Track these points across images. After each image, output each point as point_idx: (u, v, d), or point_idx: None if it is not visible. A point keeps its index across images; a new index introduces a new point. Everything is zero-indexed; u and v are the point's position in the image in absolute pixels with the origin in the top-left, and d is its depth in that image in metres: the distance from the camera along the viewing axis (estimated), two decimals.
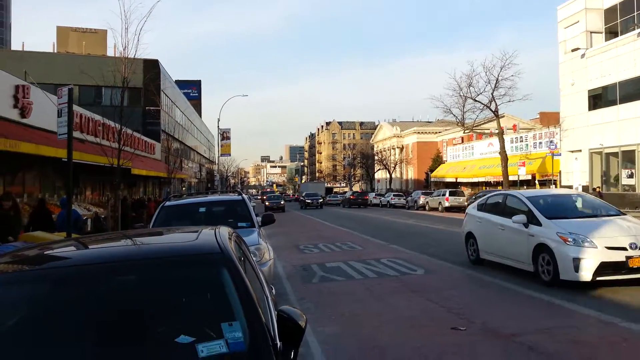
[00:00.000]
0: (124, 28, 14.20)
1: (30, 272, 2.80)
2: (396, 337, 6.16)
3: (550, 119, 47.59)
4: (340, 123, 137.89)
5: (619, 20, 31.24)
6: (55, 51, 43.28)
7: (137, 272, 2.73)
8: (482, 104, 33.84)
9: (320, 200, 51.46)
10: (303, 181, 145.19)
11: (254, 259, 5.48)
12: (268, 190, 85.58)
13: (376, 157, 79.91)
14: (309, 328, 6.50)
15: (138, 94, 33.60)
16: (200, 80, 77.81)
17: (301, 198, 53.98)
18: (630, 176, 28.94)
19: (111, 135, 18.65)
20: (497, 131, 34.35)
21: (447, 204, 37.22)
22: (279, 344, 2.38)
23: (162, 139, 37.17)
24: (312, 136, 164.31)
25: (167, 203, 8.58)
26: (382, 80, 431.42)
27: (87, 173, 21.81)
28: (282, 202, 48.30)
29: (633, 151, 28.69)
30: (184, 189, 46.36)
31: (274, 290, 4.40)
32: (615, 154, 30.42)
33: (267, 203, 47.27)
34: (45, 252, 3.09)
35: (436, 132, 68.08)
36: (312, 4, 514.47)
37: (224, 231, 3.27)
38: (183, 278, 2.69)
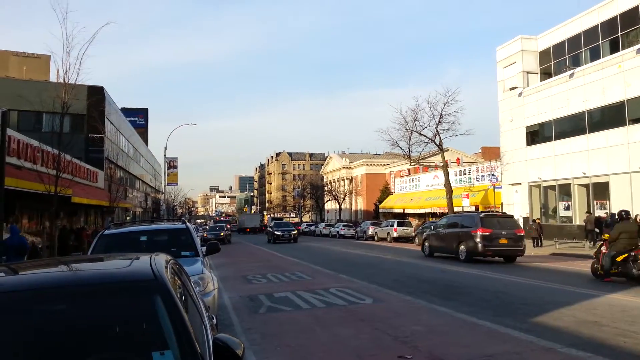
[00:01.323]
0: (66, 52, 13.83)
1: None
2: None
3: (491, 153, 49.53)
4: (290, 154, 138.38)
5: (552, 62, 33.26)
6: None
7: (65, 299, 2.57)
8: (427, 137, 34.90)
9: (294, 233, 40.02)
10: (252, 212, 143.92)
11: (197, 288, 5.28)
12: (219, 219, 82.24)
13: (326, 188, 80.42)
14: (254, 359, 6.34)
15: (81, 120, 32.58)
16: (147, 109, 76.14)
17: (269, 229, 42.55)
18: (567, 208, 30.34)
19: (50, 162, 17.91)
20: (442, 164, 35.39)
21: (395, 234, 37.70)
22: None
23: (106, 167, 35.98)
24: (262, 166, 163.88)
25: (106, 231, 8.22)
26: (332, 112, 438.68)
27: (24, 200, 20.72)
28: (222, 234, 42.95)
29: (569, 184, 30.18)
30: (128, 218, 44.85)
31: (214, 320, 4.23)
32: (552, 187, 31.88)
33: (204, 235, 41.57)
34: None
35: (384, 164, 69.42)
36: (263, 36, 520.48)
37: (161, 258, 3.15)
38: (114, 305, 2.56)
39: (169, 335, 2.29)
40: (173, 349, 2.23)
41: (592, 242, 23.91)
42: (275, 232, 39.45)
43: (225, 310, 9.93)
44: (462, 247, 19.72)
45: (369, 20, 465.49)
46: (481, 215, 20.36)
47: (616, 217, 23.67)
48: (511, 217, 22.18)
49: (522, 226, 23.71)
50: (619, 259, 12.74)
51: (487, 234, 18.88)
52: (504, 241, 18.99)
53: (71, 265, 3.32)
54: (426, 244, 22.75)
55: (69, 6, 22.15)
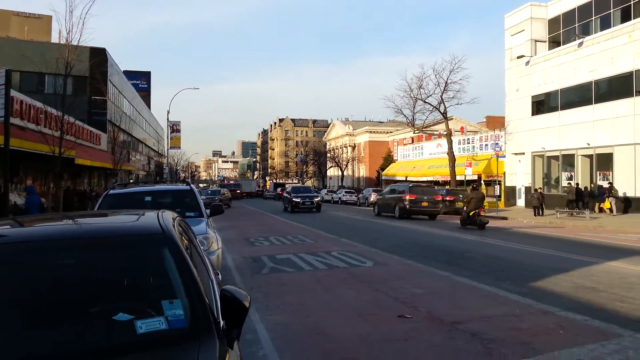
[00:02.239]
0: (69, 11, 13.65)
1: None
2: (343, 325, 6.19)
3: (496, 122, 49.23)
4: (293, 120, 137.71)
5: (561, 31, 32.67)
6: None
7: (75, 250, 2.62)
8: (432, 105, 34.68)
9: (317, 200, 32.78)
10: (255, 177, 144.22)
11: (201, 247, 5.37)
12: (227, 183, 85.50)
13: (328, 155, 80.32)
14: (257, 316, 6.51)
15: (84, 82, 32.36)
16: (149, 72, 75.48)
17: (285, 196, 35.18)
18: (570, 179, 30.33)
19: (54, 123, 17.90)
20: (445, 132, 35.24)
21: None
22: (221, 322, 2.34)
23: (109, 129, 35.92)
24: (264, 132, 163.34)
25: (111, 191, 8.29)
26: (337, 79, 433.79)
27: (28, 161, 20.82)
28: (216, 198, 38.61)
29: (573, 155, 30.08)
30: (131, 181, 45.07)
31: (220, 277, 4.31)
32: (556, 157, 31.79)
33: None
34: None
35: (387, 132, 69.12)
36: (266, 4, 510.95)
37: (168, 214, 3.21)
38: (123, 257, 2.61)
39: (177, 286, 2.35)
40: (182, 298, 2.28)
41: (575, 210, 25.68)
42: (294, 199, 32.17)
43: (229, 271, 10.08)
44: (396, 207, 26.31)
45: None
46: (410, 185, 27.34)
47: (603, 188, 25.29)
48: (431, 186, 30.34)
49: (443, 194, 29.10)
50: (471, 214, 20.08)
51: (413, 198, 25.69)
52: (425, 204, 25.83)
53: (79, 219, 3.37)
54: (375, 206, 30.10)
55: None
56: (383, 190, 32.74)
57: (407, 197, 25.49)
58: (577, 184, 28.66)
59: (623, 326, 5.94)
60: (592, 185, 28.15)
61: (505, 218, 26.23)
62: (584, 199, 27.02)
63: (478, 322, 6.13)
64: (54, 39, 34.73)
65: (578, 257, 11.82)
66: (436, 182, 45.62)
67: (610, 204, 25.78)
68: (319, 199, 33.49)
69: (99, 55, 31.62)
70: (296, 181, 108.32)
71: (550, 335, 5.64)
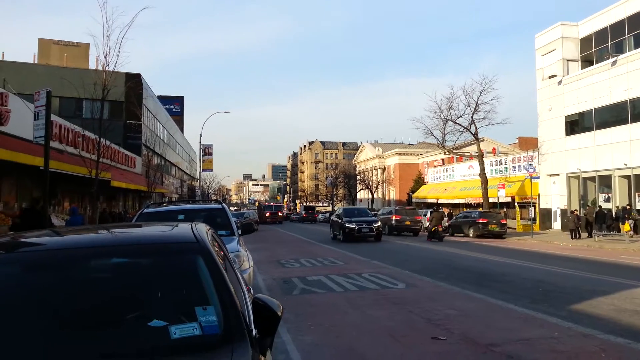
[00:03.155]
0: (106, 35, 14.14)
1: (2, 255, 2.71)
2: (376, 346, 6.08)
3: (528, 143, 48.40)
4: (322, 143, 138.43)
5: (594, 50, 32.14)
6: (36, 62, 42.84)
7: (110, 258, 2.68)
8: (462, 126, 34.37)
9: (376, 226, 25.56)
10: (285, 200, 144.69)
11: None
12: (269, 204, 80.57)
13: (358, 177, 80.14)
14: (288, 336, 6.47)
15: (119, 107, 33.33)
16: (183, 97, 77.40)
17: (334, 220, 28.11)
18: (607, 200, 29.43)
19: (91, 146, 18.44)
20: (477, 154, 34.81)
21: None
22: (254, 330, 2.34)
23: (143, 153, 36.79)
24: (294, 155, 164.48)
25: (146, 210, 8.44)
26: (365, 101, 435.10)
27: (66, 183, 21.44)
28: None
29: (609, 176, 29.25)
30: (164, 204, 45.77)
31: (252, 291, 4.31)
32: (592, 179, 30.97)
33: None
34: (18, 239, 3.01)
35: (417, 154, 68.68)
36: (299, 26, 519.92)
37: (201, 226, 3.26)
38: (158, 265, 2.66)
39: (211, 293, 2.37)
40: (215, 305, 2.30)
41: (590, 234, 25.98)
42: (347, 225, 24.91)
43: (260, 291, 10.05)
44: (386, 225, 30.64)
45: (406, 11, 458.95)
46: (396, 208, 33.17)
47: (626, 209, 24.77)
48: (414, 209, 34.82)
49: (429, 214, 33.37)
50: (433, 229, 26.01)
51: (398, 218, 31.23)
52: (408, 222, 31.20)
53: (115, 230, 3.44)
54: None
55: None
56: (379, 212, 36.72)
57: (393, 217, 31.49)
58: (600, 206, 28.32)
59: None
60: (617, 207, 27.45)
61: (535, 239, 25.55)
62: (606, 221, 26.39)
63: (515, 344, 5.94)
64: (91, 65, 35.96)
65: (618, 279, 11.40)
66: (468, 205, 44.98)
67: (630, 226, 25.14)
68: (379, 224, 25.97)
69: (134, 80, 32.56)
70: (326, 204, 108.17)
71: (590, 359, 5.41)
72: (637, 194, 27.42)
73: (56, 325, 2.29)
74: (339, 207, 35.65)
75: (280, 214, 64.47)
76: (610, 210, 27.53)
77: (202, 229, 3.09)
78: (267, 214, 62.82)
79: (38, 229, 9.66)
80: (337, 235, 26.58)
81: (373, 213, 33.17)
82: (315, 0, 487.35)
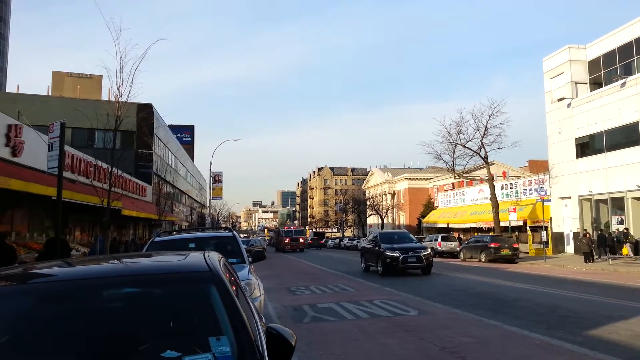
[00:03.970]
0: (119, 68, 14.41)
1: (14, 286, 2.73)
2: None
3: (539, 166, 48.23)
4: (332, 169, 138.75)
5: (602, 72, 32.20)
6: (50, 95, 43.71)
7: (124, 287, 2.69)
8: (472, 150, 34.37)
9: (425, 255, 20.29)
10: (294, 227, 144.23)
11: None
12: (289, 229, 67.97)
13: (368, 203, 80.00)
14: None
15: (131, 137, 33.78)
16: (193, 125, 78.33)
17: (367, 247, 23.22)
18: (621, 222, 29.07)
19: (102, 176, 18.64)
20: (487, 177, 34.71)
21: (439, 249, 37.06)
22: None
23: (154, 181, 37.11)
24: (304, 181, 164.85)
25: (157, 239, 8.48)
26: (375, 127, 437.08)
27: (77, 213, 21.64)
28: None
29: (622, 198, 28.96)
30: (173, 230, 45.94)
31: (263, 320, 4.29)
32: (604, 201, 30.66)
33: None
34: (29, 270, 3.04)
35: (427, 179, 68.58)
36: (304, 54, 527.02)
37: (214, 254, 3.27)
38: (171, 295, 2.66)
39: (224, 323, 2.37)
40: (228, 335, 2.29)
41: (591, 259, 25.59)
42: (388, 254, 19.97)
43: (270, 319, 9.98)
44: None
45: (413, 37, 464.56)
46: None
47: (625, 232, 24.70)
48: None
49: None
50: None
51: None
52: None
53: (127, 260, 3.46)
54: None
55: (122, 24, 23.05)
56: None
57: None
58: (601, 230, 28.43)
59: None
60: (616, 231, 27.75)
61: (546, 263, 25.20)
62: (607, 244, 26.48)
63: None
64: (104, 96, 36.67)
65: (635, 304, 11.19)
66: (479, 229, 44.63)
67: (629, 249, 25.48)
68: (428, 252, 20.60)
69: (145, 110, 33.06)
70: (336, 230, 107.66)
71: None
72: None
73: (69, 357, 2.29)
74: (373, 231, 27.09)
75: (301, 240, 56.66)
76: (610, 234, 27.59)
77: (215, 258, 3.10)
78: (286, 240, 55.42)
79: (62, 258, 9.78)
80: (373, 266, 21.67)
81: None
82: (322, 29, 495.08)
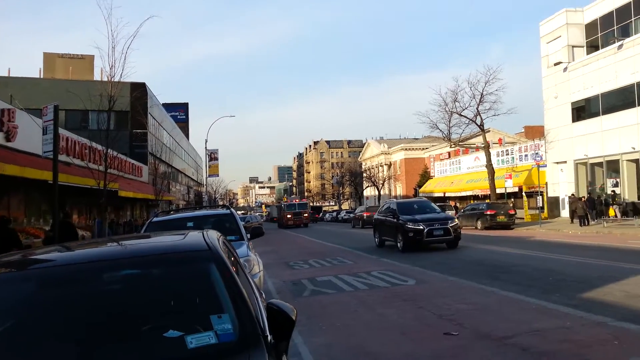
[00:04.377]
0: (111, 47, 14.25)
1: (15, 273, 2.78)
2: (388, 343, 6.13)
3: (535, 132, 48.19)
4: (327, 142, 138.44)
5: (599, 35, 31.94)
6: (42, 77, 43.15)
7: (124, 269, 2.73)
8: (468, 118, 34.28)
9: (453, 225, 17.60)
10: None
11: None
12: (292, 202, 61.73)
13: (364, 175, 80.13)
14: (300, 339, 6.52)
15: (125, 117, 33.51)
16: (187, 103, 77.68)
17: (382, 219, 19.93)
18: (616, 185, 29.27)
19: (98, 158, 18.59)
20: (483, 145, 34.71)
21: None
22: (269, 335, 2.38)
23: (150, 161, 37.01)
24: (300, 156, 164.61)
25: (155, 219, 8.53)
26: (369, 98, 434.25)
27: (74, 197, 21.62)
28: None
29: (617, 161, 29.08)
30: (171, 209, 46.08)
31: (264, 295, 4.37)
32: (600, 164, 30.80)
33: None
34: (29, 256, 3.08)
35: (423, 148, 68.59)
36: (300, 26, 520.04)
37: (212, 233, 3.31)
38: (171, 275, 2.71)
39: (225, 301, 2.41)
40: (229, 312, 2.34)
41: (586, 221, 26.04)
42: (410, 226, 17.32)
43: (270, 294, 10.12)
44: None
45: (408, 6, 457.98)
46: (367, 207, 31.84)
47: (612, 195, 25.14)
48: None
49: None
50: None
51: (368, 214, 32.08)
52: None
53: (126, 241, 3.51)
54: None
55: (113, 2, 22.59)
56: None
57: (365, 214, 39.56)
58: (589, 193, 29.23)
59: None
60: (606, 194, 28.61)
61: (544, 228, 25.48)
62: (596, 207, 27.13)
63: (528, 336, 5.96)
64: (97, 76, 36.22)
65: (629, 265, 11.37)
66: (476, 197, 44.86)
67: (615, 211, 26.35)
68: (455, 223, 18.05)
69: (139, 89, 32.74)
70: (333, 203, 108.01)
71: (604, 347, 5.44)
72: None
73: (72, 340, 2.34)
74: (388, 200, 24.68)
75: (305, 214, 53.01)
76: (599, 196, 28.42)
77: (214, 236, 3.14)
78: (289, 216, 51.73)
79: (70, 241, 9.82)
80: (390, 241, 19.15)
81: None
82: (317, 2, 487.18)
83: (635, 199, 27.71)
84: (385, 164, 79.25)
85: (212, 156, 54.24)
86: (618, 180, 29.18)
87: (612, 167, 29.81)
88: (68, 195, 20.33)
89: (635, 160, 27.90)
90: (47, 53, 46.96)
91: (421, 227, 17.07)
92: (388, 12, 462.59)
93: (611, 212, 26.71)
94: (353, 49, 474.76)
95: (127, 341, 2.34)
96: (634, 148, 27.43)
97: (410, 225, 17.26)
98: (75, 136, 20.89)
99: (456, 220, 18.77)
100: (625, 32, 29.45)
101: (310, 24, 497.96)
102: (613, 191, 28.35)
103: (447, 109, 34.57)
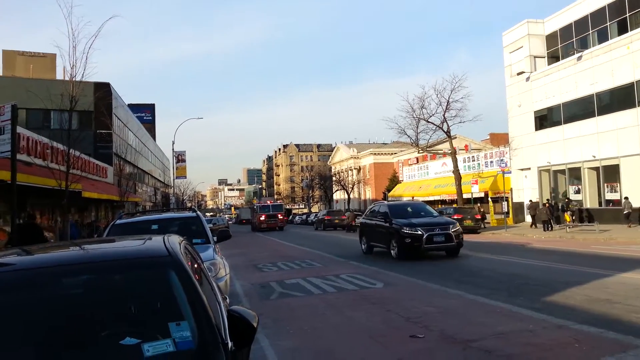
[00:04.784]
0: (72, 46, 13.86)
1: None
2: (355, 347, 6.10)
3: (499, 139, 49.24)
4: (297, 145, 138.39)
5: (559, 46, 32.92)
6: (1, 75, 41.76)
7: (82, 275, 2.63)
8: (435, 124, 34.76)
9: (455, 231, 15.77)
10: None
11: (209, 273, 5.33)
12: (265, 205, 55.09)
13: (334, 179, 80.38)
14: (267, 342, 6.43)
15: (89, 117, 32.67)
16: (154, 104, 76.36)
17: (371, 223, 17.99)
18: (578, 192, 30.14)
19: (60, 158, 18.06)
20: (450, 151, 35.25)
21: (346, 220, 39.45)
22: (229, 343, 2.32)
23: (115, 162, 36.22)
24: (269, 159, 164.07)
25: (118, 221, 8.30)
26: (340, 103, 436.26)
27: (36, 197, 20.96)
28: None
29: (579, 168, 29.96)
30: (136, 211, 45.22)
31: (227, 301, 4.28)
32: (562, 171, 31.67)
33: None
34: None
35: (392, 153, 69.25)
36: (270, 30, 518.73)
37: (174, 238, 3.22)
38: (130, 281, 2.62)
39: (185, 308, 2.34)
40: (189, 320, 2.27)
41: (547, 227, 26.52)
42: (407, 231, 15.39)
43: (237, 297, 10.01)
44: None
45: (377, 13, 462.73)
46: (327, 210, 38.03)
47: (567, 201, 26.24)
48: (340, 210, 41.11)
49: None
50: (350, 224, 35.13)
51: (328, 218, 44.43)
52: (337, 220, 43.82)
53: (86, 245, 3.38)
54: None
55: (74, 1, 22.11)
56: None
57: (325, 218, 44.77)
58: (548, 199, 30.24)
59: None
60: (567, 200, 29.92)
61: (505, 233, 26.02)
62: (554, 213, 28.07)
63: (492, 339, 6.03)
64: (59, 75, 35.28)
65: (591, 269, 11.66)
66: (443, 201, 45.51)
67: (570, 217, 27.69)
68: (458, 228, 16.13)
69: (103, 90, 32.03)
70: (302, 206, 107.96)
71: (565, 350, 5.54)
72: (606, 184, 28.16)
73: (27, 347, 2.24)
74: (377, 202, 22.32)
75: (280, 216, 48.50)
76: (557, 203, 30.03)
77: (175, 241, 3.05)
78: (262, 218, 47.09)
79: (35, 243, 9.47)
80: (380, 247, 17.26)
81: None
82: (285, 4, 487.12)
83: (596, 205, 28.60)
84: (355, 168, 79.70)
85: (180, 158, 53.51)
86: (580, 187, 30.06)
87: (574, 174, 30.70)
88: (29, 196, 19.70)
89: (596, 168, 28.80)
90: (7, 51, 45.51)
91: (420, 233, 15.13)
92: (359, 17, 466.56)
93: (567, 217, 27.83)
94: (323, 53, 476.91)
95: (83, 348, 2.25)
96: (594, 156, 28.31)
97: (407, 230, 15.30)
98: (36, 136, 20.25)
99: (458, 225, 16.49)
100: (584, 44, 30.43)
101: (281, 27, 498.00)
102: (568, 198, 29.76)
103: (414, 116, 35.01)
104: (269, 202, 54.50)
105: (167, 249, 2.77)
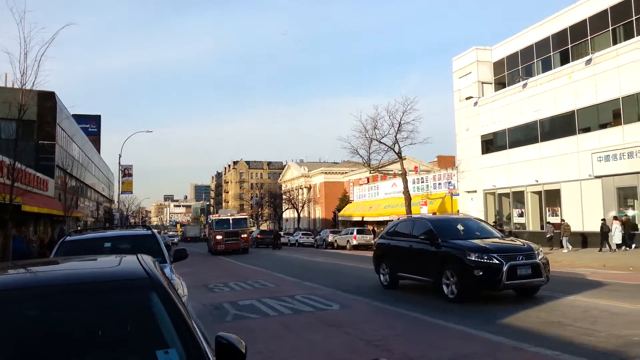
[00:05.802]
0: (23, 53, 13.23)
1: None
2: None
3: (447, 162, 50.70)
4: (247, 162, 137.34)
5: (506, 73, 34.44)
6: None
7: (57, 299, 2.39)
8: (387, 145, 35.38)
9: (542, 259, 10.94)
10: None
11: None
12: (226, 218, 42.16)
13: (284, 197, 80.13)
14: None
15: (31, 127, 31.15)
16: (99, 115, 73.62)
17: (389, 244, 13.76)
18: (521, 215, 31.32)
19: (5, 170, 17.12)
20: (400, 172, 35.92)
21: (355, 242, 38.15)
22: None
23: (57, 175, 34.65)
24: (218, 175, 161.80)
25: (68, 238, 7.86)
26: (291, 120, 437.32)
27: None
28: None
29: (522, 192, 31.18)
30: (79, 228, 43.27)
31: (201, 326, 4.09)
32: (507, 195, 32.86)
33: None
34: None
35: (343, 173, 69.87)
36: (221, 43, 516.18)
37: (147, 258, 3.04)
38: (109, 306, 2.42)
39: (171, 334, 2.20)
40: (177, 347, 2.13)
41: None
42: (474, 259, 10.35)
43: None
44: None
45: (331, 32, 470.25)
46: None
47: (501, 224, 27.45)
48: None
49: None
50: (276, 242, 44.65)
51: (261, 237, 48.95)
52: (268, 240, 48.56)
53: (59, 267, 3.13)
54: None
55: (27, 6, 21.13)
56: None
57: (258, 237, 49.52)
58: (494, 221, 31.26)
59: (594, 359, 6.00)
60: (495, 222, 31.07)
61: None
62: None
63: None
64: (1, 82, 33.59)
65: (541, 292, 12.01)
66: None
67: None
68: (543, 256, 11.16)
69: (48, 99, 30.79)
70: (251, 224, 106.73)
71: None
72: (547, 208, 29.40)
73: None
74: (408, 217, 16.65)
75: (243, 235, 37.33)
76: (502, 225, 31.07)
77: (149, 261, 2.88)
78: (219, 237, 36.54)
79: None
80: (416, 279, 12.70)
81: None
82: (238, 19, 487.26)
83: (538, 229, 29.76)
84: (305, 187, 79.78)
85: (126, 172, 51.89)
86: (523, 210, 31.24)
87: (518, 197, 31.91)
88: None
89: (539, 192, 30.06)
90: None
91: (497, 262, 10.32)
92: (313, 33, 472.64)
93: None
94: (276, 71, 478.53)
95: None
96: (537, 181, 29.55)
97: (475, 258, 10.44)
98: None
99: (541, 251, 11.29)
100: (529, 72, 31.99)
101: (234, 37, 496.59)
102: (499, 220, 31.51)
103: (367, 136, 35.52)
104: (229, 215, 40.27)
105: (145, 270, 2.60)
